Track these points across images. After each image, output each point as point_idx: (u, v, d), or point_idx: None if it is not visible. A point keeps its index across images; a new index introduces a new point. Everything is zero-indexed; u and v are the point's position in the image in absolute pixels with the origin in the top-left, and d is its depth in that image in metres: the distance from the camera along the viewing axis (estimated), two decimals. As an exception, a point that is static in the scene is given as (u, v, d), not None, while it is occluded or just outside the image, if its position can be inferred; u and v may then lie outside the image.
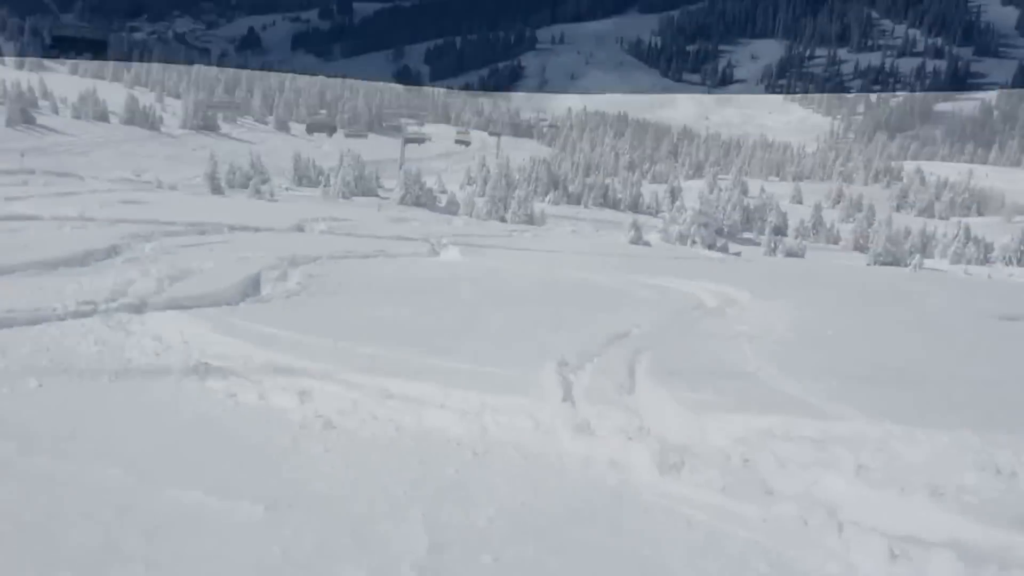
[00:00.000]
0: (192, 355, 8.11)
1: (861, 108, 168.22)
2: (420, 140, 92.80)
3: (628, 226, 49.28)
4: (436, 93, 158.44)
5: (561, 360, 8.64)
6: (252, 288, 10.79)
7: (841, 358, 10.44)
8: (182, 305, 9.35)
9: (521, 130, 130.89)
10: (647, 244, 44.57)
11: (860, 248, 66.12)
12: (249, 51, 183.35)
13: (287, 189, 69.77)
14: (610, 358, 9.21)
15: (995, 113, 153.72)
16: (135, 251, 12.64)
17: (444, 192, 72.12)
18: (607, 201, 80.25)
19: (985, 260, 63.37)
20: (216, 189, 59.38)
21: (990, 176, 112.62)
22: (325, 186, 70.12)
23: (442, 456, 6.03)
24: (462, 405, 7.18)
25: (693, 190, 77.43)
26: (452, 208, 64.52)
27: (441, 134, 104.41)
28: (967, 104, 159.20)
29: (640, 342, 10.59)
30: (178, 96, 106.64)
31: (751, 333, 12.66)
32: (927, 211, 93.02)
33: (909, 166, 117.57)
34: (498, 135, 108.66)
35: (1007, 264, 60.77)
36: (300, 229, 19.87)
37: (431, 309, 10.84)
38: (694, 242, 51.57)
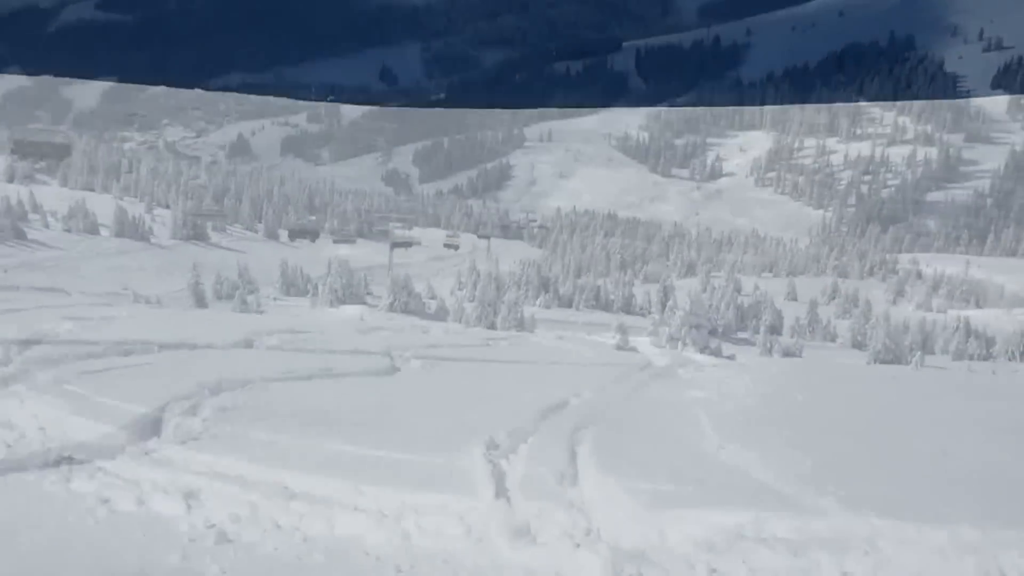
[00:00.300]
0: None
1: (852, 200, 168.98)
2: (408, 244, 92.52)
3: (614, 330, 47.90)
4: (425, 195, 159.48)
5: (490, 442, 7.81)
6: (146, 430, 8.61)
7: (813, 432, 9.38)
8: (40, 464, 7.30)
9: (511, 232, 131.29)
10: (634, 350, 42.92)
11: (858, 345, 65.05)
12: (239, 157, 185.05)
13: (275, 299, 68.97)
14: (546, 438, 8.37)
15: (988, 201, 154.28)
16: (27, 381, 10.65)
17: (433, 298, 71.31)
18: (599, 303, 79.40)
19: (988, 355, 62.19)
20: (200, 301, 58.21)
21: (987, 267, 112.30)
22: (313, 295, 69.32)
23: (360, 574, 5.14)
24: (378, 505, 6.26)
25: (686, 289, 76.74)
26: (441, 314, 63.71)
27: (431, 237, 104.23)
28: (960, 193, 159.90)
29: (580, 416, 9.65)
30: (168, 206, 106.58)
31: (708, 399, 11.53)
32: (925, 305, 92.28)
33: (904, 258, 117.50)
34: (487, 237, 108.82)
35: (1010, 359, 59.67)
36: (248, 345, 17.64)
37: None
38: (685, 344, 50.20)
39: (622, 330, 47.48)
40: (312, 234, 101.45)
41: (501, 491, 6.66)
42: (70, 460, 6.81)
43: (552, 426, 9.31)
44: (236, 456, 7.06)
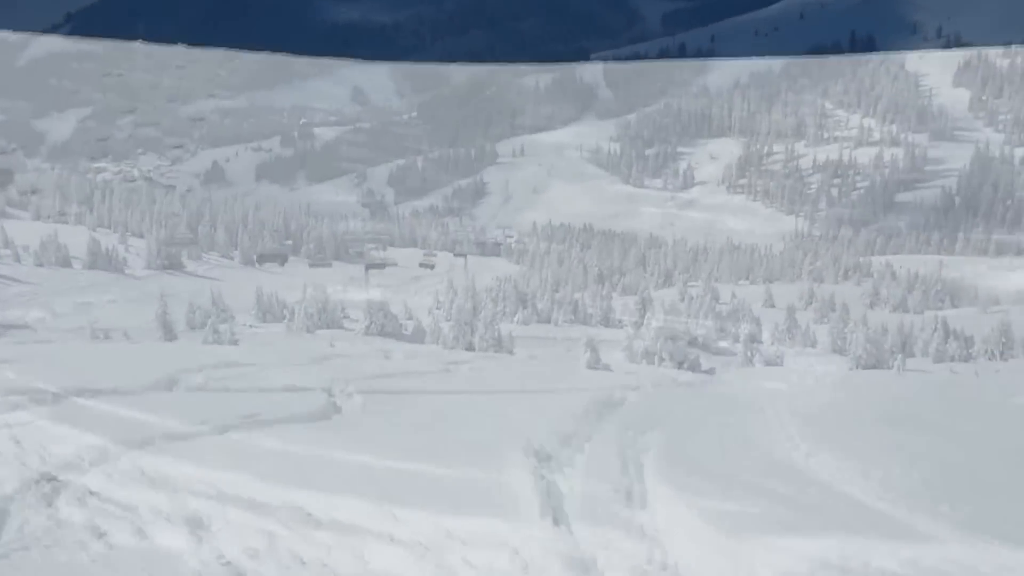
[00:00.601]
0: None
1: (823, 204, 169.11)
2: (382, 265, 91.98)
3: (583, 346, 44.32)
4: (401, 215, 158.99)
5: (537, 450, 6.67)
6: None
7: (912, 433, 7.88)
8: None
9: (488, 248, 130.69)
10: (607, 368, 40.37)
11: (839, 350, 65.06)
12: (214, 184, 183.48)
13: (250, 327, 68.26)
14: (603, 445, 6.89)
15: (957, 200, 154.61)
16: None
17: (410, 319, 70.90)
18: (577, 317, 79.06)
19: (968, 356, 62.28)
20: (169, 333, 57.01)
21: (960, 266, 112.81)
22: (289, 321, 68.82)
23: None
24: (416, 535, 5.53)
25: (664, 300, 76.76)
26: (419, 336, 63.33)
27: (409, 257, 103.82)
28: (928, 193, 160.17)
29: (638, 414, 8.17)
30: (142, 236, 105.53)
31: (787, 392, 9.97)
32: (901, 306, 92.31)
33: (878, 261, 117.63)
34: (464, 255, 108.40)
35: (990, 359, 59.71)
36: (169, 386, 14.62)
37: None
38: (662, 359, 49.03)
39: (592, 347, 44.00)
40: (281, 258, 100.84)
41: (558, 516, 5.87)
42: (55, 482, 6.15)
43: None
44: (243, 470, 6.26)
